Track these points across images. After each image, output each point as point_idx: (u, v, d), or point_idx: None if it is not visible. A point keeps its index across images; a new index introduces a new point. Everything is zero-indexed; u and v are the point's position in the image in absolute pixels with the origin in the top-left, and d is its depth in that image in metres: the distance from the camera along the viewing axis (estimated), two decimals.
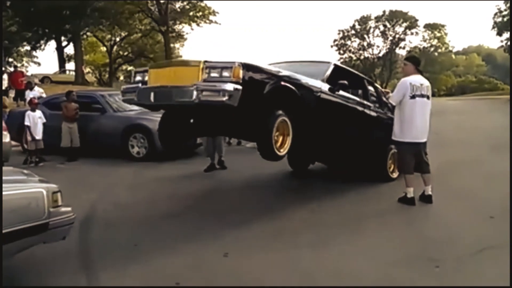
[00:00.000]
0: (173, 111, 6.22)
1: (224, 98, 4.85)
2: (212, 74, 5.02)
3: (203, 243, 4.78)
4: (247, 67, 5.06)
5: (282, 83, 5.45)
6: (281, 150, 5.56)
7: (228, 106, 4.91)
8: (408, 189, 6.05)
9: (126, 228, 5.41)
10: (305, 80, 5.98)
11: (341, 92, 6.50)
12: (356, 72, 7.97)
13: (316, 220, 5.61)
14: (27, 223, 3.57)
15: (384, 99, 7.84)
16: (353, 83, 7.01)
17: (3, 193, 3.47)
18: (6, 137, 8.89)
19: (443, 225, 5.33)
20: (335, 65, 6.88)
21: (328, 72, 6.53)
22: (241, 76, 4.93)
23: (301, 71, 6.30)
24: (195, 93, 4.97)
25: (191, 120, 6.38)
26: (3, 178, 3.81)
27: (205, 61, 5.11)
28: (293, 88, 5.55)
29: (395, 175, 7.48)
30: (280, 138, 5.57)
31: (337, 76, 6.50)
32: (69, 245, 4.41)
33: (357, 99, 7.07)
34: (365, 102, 7.22)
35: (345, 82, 6.33)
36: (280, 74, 5.60)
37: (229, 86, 4.84)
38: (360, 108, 7.01)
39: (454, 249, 4.49)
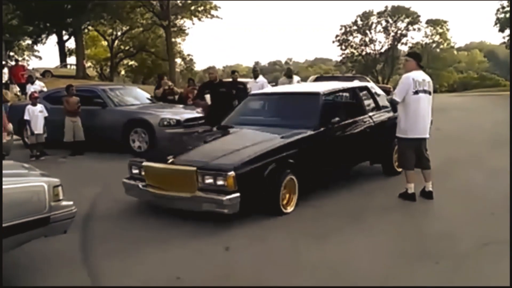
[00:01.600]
0: None
1: (225, 210, 5.03)
2: (207, 181, 5.15)
3: (205, 237, 4.79)
4: (240, 167, 5.16)
5: (281, 161, 5.56)
6: (288, 208, 5.62)
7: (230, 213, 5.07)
8: (409, 185, 6.04)
9: (127, 222, 5.42)
10: (299, 139, 6.00)
11: (336, 126, 6.49)
12: (345, 86, 7.75)
13: (317, 214, 5.62)
14: (28, 216, 3.58)
15: (380, 98, 7.81)
16: (346, 97, 7.01)
17: (5, 186, 3.48)
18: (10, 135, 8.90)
19: (443, 221, 5.34)
20: (325, 95, 6.82)
21: (319, 111, 6.48)
22: (235, 183, 5.03)
23: (290, 110, 6.62)
24: (195, 205, 5.15)
25: None
26: (4, 172, 3.82)
27: (197, 169, 5.18)
28: (290, 161, 5.67)
29: (400, 169, 7.47)
30: (287, 196, 5.64)
31: (329, 103, 6.64)
32: (71, 239, 4.43)
33: (352, 122, 6.97)
34: (361, 119, 7.14)
35: (337, 119, 6.36)
36: (274, 148, 5.67)
37: (227, 199, 4.97)
38: (357, 129, 6.99)
39: (454, 245, 4.50)
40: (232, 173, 5.02)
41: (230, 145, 5.96)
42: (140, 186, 5.67)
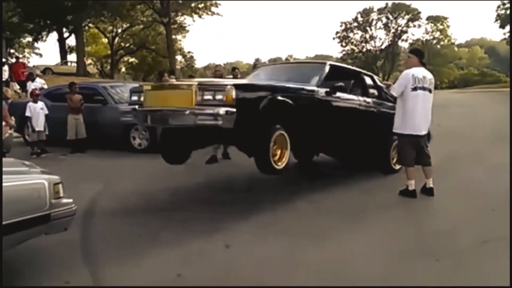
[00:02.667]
0: (171, 132, 6.30)
1: (219, 122, 4.98)
2: (206, 97, 5.10)
3: (205, 235, 4.79)
4: (240, 87, 5.17)
5: (277, 97, 5.51)
6: (279, 164, 5.59)
7: (223, 129, 5.04)
8: (409, 181, 6.04)
9: (128, 220, 5.42)
10: (300, 88, 6.02)
11: (339, 94, 6.50)
12: (353, 68, 7.97)
13: (317, 212, 5.61)
14: (29, 214, 3.57)
15: (383, 92, 7.83)
16: (350, 80, 7.02)
17: (5, 184, 3.48)
18: (11, 129, 8.91)
19: (444, 218, 5.34)
20: (331, 65, 6.87)
21: (324, 74, 6.53)
22: (234, 98, 5.01)
23: (296, 75, 6.45)
24: (191, 118, 5.09)
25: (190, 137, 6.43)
26: (5, 169, 3.82)
27: (198, 84, 5.19)
28: (288, 101, 5.60)
29: (398, 166, 7.47)
30: (278, 152, 5.61)
31: (333, 76, 6.54)
32: (71, 236, 4.43)
33: (355, 97, 7.04)
34: (364, 99, 7.20)
35: (342, 84, 6.36)
36: (274, 86, 5.69)
37: (223, 111, 4.94)
38: (359, 106, 7.00)
39: (455, 242, 4.49)
40: (232, 87, 5.03)
41: (234, 80, 6.28)
42: (137, 107, 5.70)
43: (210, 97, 5.08)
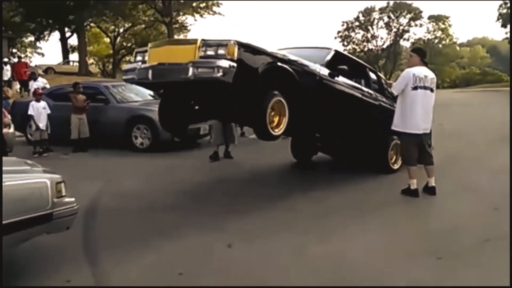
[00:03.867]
0: (171, 93, 6.28)
1: (219, 74, 4.93)
2: (208, 52, 5.10)
3: (207, 234, 4.79)
4: (242, 45, 5.15)
5: (278, 63, 5.49)
6: (276, 130, 5.58)
7: (223, 82, 4.98)
8: (412, 180, 6.03)
9: (129, 218, 5.42)
10: (302, 62, 6.00)
11: (341, 78, 6.49)
12: (358, 60, 7.95)
13: (319, 211, 5.61)
14: (31, 213, 3.58)
15: (387, 89, 7.84)
16: (355, 71, 7.00)
17: (7, 183, 3.48)
18: (10, 127, 8.92)
19: (446, 217, 5.33)
20: (336, 51, 6.88)
21: (329, 58, 6.54)
22: (236, 53, 5.01)
23: (302, 56, 6.32)
24: (191, 70, 5.05)
25: (190, 103, 6.39)
26: (7, 168, 3.83)
27: (202, 39, 5.18)
28: (288, 68, 5.59)
29: (396, 166, 7.46)
30: (276, 118, 5.59)
31: (338, 62, 6.51)
32: (74, 235, 4.43)
33: (358, 85, 7.03)
34: (366, 90, 7.19)
35: (345, 67, 6.36)
36: (276, 54, 5.64)
37: (224, 63, 4.93)
38: (360, 96, 6.98)
39: (457, 241, 4.49)
40: (235, 43, 5.04)
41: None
42: (140, 64, 5.68)
43: (212, 52, 5.08)
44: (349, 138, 7.16)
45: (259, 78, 5.29)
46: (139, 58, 5.83)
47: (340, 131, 6.93)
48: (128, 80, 6.03)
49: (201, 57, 5.09)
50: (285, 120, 5.67)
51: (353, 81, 6.95)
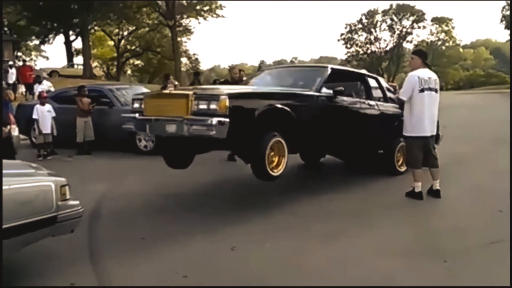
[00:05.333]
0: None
1: (212, 133, 5.04)
2: (201, 106, 5.17)
3: (210, 236, 4.79)
4: (234, 96, 5.21)
5: (275, 105, 5.53)
6: (275, 171, 5.61)
7: (217, 138, 5.10)
8: (416, 183, 6.02)
9: (133, 221, 5.43)
10: (298, 94, 6.02)
11: (340, 98, 6.49)
12: (355, 70, 7.95)
13: (324, 213, 5.61)
14: (36, 216, 3.59)
15: (390, 94, 7.83)
16: (353, 83, 6.99)
17: (12, 186, 3.50)
18: (15, 131, 8.93)
19: (451, 220, 5.31)
20: (332, 69, 6.84)
21: (324, 79, 6.49)
22: (227, 107, 5.05)
23: (297, 79, 6.51)
24: (185, 127, 5.17)
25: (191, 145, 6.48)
26: (12, 171, 3.84)
27: (194, 93, 5.26)
28: (285, 108, 5.62)
29: (403, 168, 7.44)
30: (276, 158, 5.63)
31: (335, 79, 6.54)
32: (78, 238, 4.44)
33: (358, 100, 7.01)
34: (367, 102, 7.16)
35: (341, 88, 6.35)
36: (271, 93, 5.73)
37: (216, 121, 4.98)
38: (361, 109, 6.98)
39: (462, 243, 4.48)
40: (225, 97, 5.07)
41: (231, 87, 6.26)
42: (137, 115, 5.79)
43: (205, 106, 5.15)
44: (353, 147, 7.18)
45: (256, 123, 5.34)
46: (136, 105, 5.94)
47: (344, 144, 6.96)
48: (128, 129, 6.18)
49: (194, 112, 5.17)
50: (284, 161, 5.71)
51: (353, 95, 6.95)
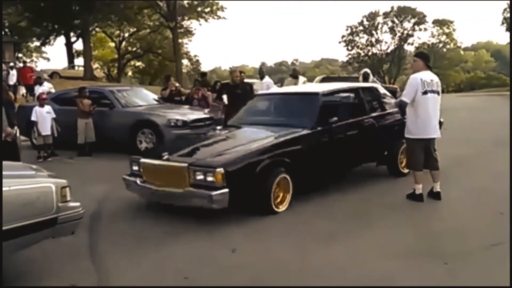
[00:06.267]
0: None
1: (214, 205, 5.14)
2: (198, 177, 5.27)
3: (212, 238, 4.80)
4: (229, 164, 5.28)
5: (274, 158, 5.62)
6: (280, 207, 5.67)
7: (218, 209, 5.19)
8: (417, 185, 6.01)
9: (134, 223, 5.44)
10: (294, 138, 6.07)
11: (336, 126, 6.47)
12: (348, 86, 7.77)
13: (325, 214, 5.62)
14: (36, 218, 3.59)
15: (389, 99, 7.82)
16: (348, 99, 6.98)
17: (13, 187, 3.50)
18: (16, 132, 8.93)
19: (452, 222, 5.30)
20: (324, 95, 6.83)
21: (318, 109, 6.52)
22: (224, 178, 5.13)
23: (291, 111, 6.69)
24: (186, 199, 5.29)
25: None
26: (12, 173, 3.84)
27: (189, 166, 5.34)
28: (284, 159, 5.73)
29: (406, 170, 7.41)
30: (281, 194, 5.69)
31: (328, 103, 6.61)
32: (79, 240, 4.44)
33: (354, 121, 6.96)
34: (363, 119, 7.11)
35: (335, 118, 6.36)
36: (266, 148, 5.73)
37: (215, 194, 5.07)
38: (359, 129, 6.97)
39: (463, 245, 4.48)
40: (220, 169, 5.13)
41: (225, 144, 6.16)
42: (138, 182, 5.82)
43: (202, 177, 5.25)
44: (358, 161, 7.26)
45: (258, 177, 5.43)
46: (135, 168, 6.03)
47: (347, 163, 7.06)
48: (131, 191, 6.15)
49: (192, 184, 5.27)
50: (288, 197, 5.79)
51: (349, 114, 6.91)
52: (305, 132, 6.21)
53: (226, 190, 5.10)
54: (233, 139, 6.44)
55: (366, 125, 7.08)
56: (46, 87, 16.13)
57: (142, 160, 5.92)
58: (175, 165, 5.51)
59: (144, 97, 11.98)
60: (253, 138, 6.13)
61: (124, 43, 50.22)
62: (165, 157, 5.57)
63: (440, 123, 6.41)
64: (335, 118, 6.37)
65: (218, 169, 5.13)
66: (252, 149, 5.64)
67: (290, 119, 6.63)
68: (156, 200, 5.88)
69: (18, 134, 9.02)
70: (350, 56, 64.85)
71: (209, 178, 5.17)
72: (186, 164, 5.36)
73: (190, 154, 5.88)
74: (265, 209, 5.51)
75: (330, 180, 6.72)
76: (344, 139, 6.72)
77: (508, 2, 41.31)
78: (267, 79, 12.77)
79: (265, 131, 6.41)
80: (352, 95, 7.35)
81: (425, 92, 5.90)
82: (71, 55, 41.55)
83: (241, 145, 5.80)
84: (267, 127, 6.60)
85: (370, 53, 64.32)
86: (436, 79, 6.07)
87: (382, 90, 8.33)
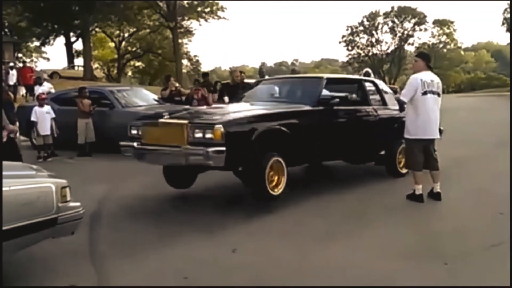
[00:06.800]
0: None
1: (210, 162, 5.11)
2: (197, 135, 5.26)
3: (212, 238, 4.79)
4: (229, 123, 5.28)
5: (271, 127, 5.60)
6: (276, 190, 5.66)
7: (215, 166, 5.17)
8: (417, 186, 6.01)
9: (134, 223, 5.43)
10: (295, 112, 6.09)
11: (335, 110, 6.51)
12: (351, 77, 7.96)
13: (325, 214, 5.61)
14: (36, 218, 3.58)
15: (387, 96, 7.82)
16: (350, 90, 7.00)
17: (13, 187, 3.49)
18: (16, 133, 8.94)
19: (452, 222, 5.30)
20: (328, 79, 6.88)
21: (320, 91, 6.55)
22: (223, 136, 5.11)
23: (293, 92, 6.67)
24: (183, 157, 5.24)
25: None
26: (12, 173, 3.84)
27: (189, 122, 5.34)
28: (282, 128, 5.67)
29: (405, 170, 7.43)
30: (275, 177, 5.68)
31: (331, 89, 6.61)
32: (79, 240, 4.44)
33: (355, 107, 7.01)
34: (364, 109, 7.16)
35: (337, 100, 6.38)
36: (266, 115, 5.77)
37: (212, 151, 5.04)
38: (359, 118, 7.01)
39: (463, 246, 4.47)
40: (220, 126, 5.14)
41: (226, 110, 6.23)
42: (135, 145, 5.86)
43: (200, 135, 5.23)
44: (353, 153, 7.23)
45: (253, 146, 5.39)
46: (134, 132, 6.06)
47: (343, 151, 7.02)
48: (126, 155, 6.18)
49: (190, 142, 5.25)
50: (284, 180, 5.77)
51: (351, 103, 6.91)
52: (306, 108, 6.24)
53: (224, 148, 5.08)
54: (235, 107, 6.53)
55: (366, 115, 7.13)
56: (46, 87, 16.15)
57: (143, 122, 5.99)
58: (175, 122, 5.53)
59: (144, 97, 11.98)
60: (254, 108, 6.24)
61: (124, 43, 50.22)
62: (166, 116, 5.64)
63: (440, 131, 6.42)
64: (337, 100, 6.39)
65: (217, 126, 5.13)
66: (253, 114, 5.70)
67: (293, 98, 6.69)
68: (152, 162, 5.88)
69: (18, 134, 9.06)
70: (350, 56, 64.97)
71: (208, 135, 5.16)
72: (186, 121, 5.38)
73: (191, 115, 5.91)
74: (261, 191, 5.51)
75: (324, 159, 6.70)
76: (343, 123, 6.74)
77: (509, 2, 41.33)
78: None
79: (267, 104, 6.48)
80: (355, 85, 7.47)
81: (424, 93, 5.90)
82: (71, 55, 41.55)
83: (242, 111, 5.87)
84: (270, 103, 6.68)
85: (370, 53, 64.43)
86: (436, 79, 6.07)
87: (385, 88, 8.36)
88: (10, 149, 6.64)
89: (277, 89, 7.55)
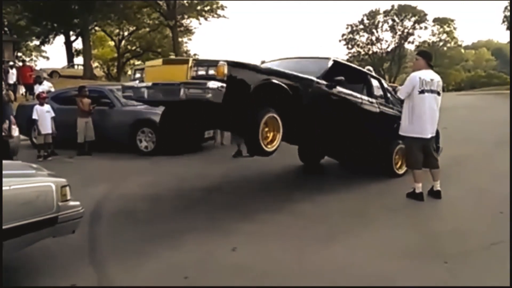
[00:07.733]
0: (171, 107, 6.39)
1: (209, 96, 5.03)
2: (200, 72, 5.22)
3: (212, 237, 4.79)
4: (234, 64, 5.23)
5: (270, 80, 5.53)
6: (269, 146, 5.60)
7: (213, 102, 5.08)
8: (417, 184, 6.01)
9: (134, 222, 5.43)
10: (297, 75, 6.01)
11: (339, 89, 6.47)
12: (358, 67, 7.95)
13: (325, 214, 5.61)
14: (36, 217, 3.59)
15: (389, 94, 7.83)
16: (355, 79, 6.98)
17: (13, 186, 3.49)
18: (15, 131, 8.94)
19: (452, 221, 5.30)
20: (335, 61, 6.84)
21: (326, 69, 6.51)
22: (225, 74, 5.09)
23: (299, 67, 6.39)
24: (182, 90, 5.16)
25: (189, 115, 6.46)
26: (13, 172, 3.84)
27: (194, 59, 5.33)
28: (282, 84, 5.61)
29: (401, 171, 7.42)
30: (270, 134, 5.62)
31: (337, 73, 6.50)
32: (78, 239, 4.44)
33: (357, 94, 6.97)
34: (366, 98, 7.14)
35: (342, 78, 6.33)
36: (270, 70, 5.73)
37: (213, 84, 5.00)
38: (359, 104, 6.94)
39: (463, 245, 4.48)
40: (224, 63, 5.13)
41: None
42: (136, 83, 5.87)
43: (203, 72, 5.20)
44: (350, 144, 7.16)
45: (251, 95, 5.35)
46: (137, 75, 6.00)
47: (341, 139, 6.94)
48: (127, 97, 6.22)
49: (192, 77, 5.22)
50: (279, 136, 5.71)
51: (353, 91, 6.89)
52: (310, 77, 6.20)
53: (224, 84, 5.05)
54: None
55: (369, 105, 7.10)
56: (46, 86, 16.13)
57: (147, 63, 5.98)
58: (180, 59, 5.58)
59: None
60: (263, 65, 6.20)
61: (123, 42, 50.21)
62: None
63: (438, 148, 6.41)
64: (342, 78, 6.35)
65: (221, 62, 5.13)
66: (258, 65, 5.73)
67: (301, 72, 6.51)
68: (150, 98, 5.78)
69: (17, 133, 9.05)
70: (350, 55, 64.83)
71: (211, 72, 5.15)
72: (191, 59, 5.38)
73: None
74: (254, 144, 5.47)
75: (323, 154, 6.62)
76: (343, 104, 6.67)
77: (509, 0, 41.28)
78: None
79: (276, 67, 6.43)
80: (362, 75, 7.51)
81: (422, 91, 5.90)
82: (70, 54, 41.53)
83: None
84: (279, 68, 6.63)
85: (370, 52, 64.35)
86: (437, 78, 6.06)
87: (389, 88, 8.38)
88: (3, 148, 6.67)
89: (286, 64, 7.49)
